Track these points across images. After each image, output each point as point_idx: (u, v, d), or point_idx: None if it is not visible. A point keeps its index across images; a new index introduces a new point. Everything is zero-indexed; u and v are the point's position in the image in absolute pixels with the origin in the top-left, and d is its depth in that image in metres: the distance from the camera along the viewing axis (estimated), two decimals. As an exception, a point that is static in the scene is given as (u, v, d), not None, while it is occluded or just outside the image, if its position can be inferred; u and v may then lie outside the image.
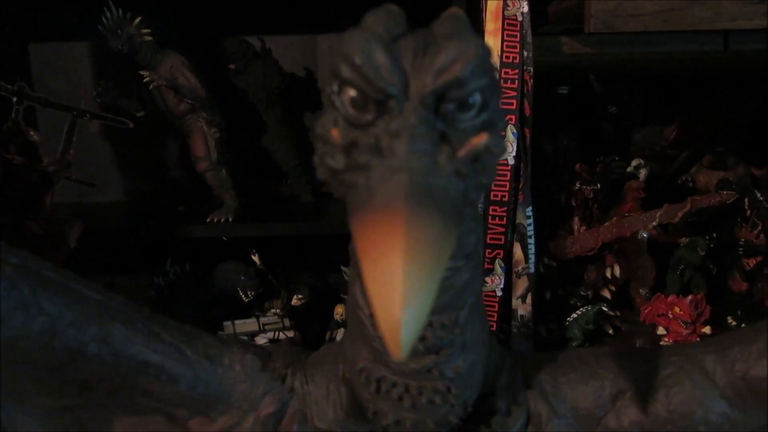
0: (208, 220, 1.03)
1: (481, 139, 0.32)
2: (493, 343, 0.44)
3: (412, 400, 0.39)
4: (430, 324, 0.37)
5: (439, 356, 0.38)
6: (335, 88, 0.32)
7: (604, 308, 1.01)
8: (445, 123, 0.32)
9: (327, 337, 1.05)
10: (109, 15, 0.95)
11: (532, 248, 0.94)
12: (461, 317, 0.38)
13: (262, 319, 1.07)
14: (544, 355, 0.47)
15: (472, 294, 0.39)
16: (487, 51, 0.31)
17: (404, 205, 0.28)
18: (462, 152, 0.32)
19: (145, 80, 1.00)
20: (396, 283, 0.27)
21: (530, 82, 0.89)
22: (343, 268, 1.09)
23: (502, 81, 0.86)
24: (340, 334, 1.05)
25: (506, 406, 0.43)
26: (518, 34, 0.88)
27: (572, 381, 0.45)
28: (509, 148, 0.87)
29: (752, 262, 1.03)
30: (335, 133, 0.32)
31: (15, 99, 0.94)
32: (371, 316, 0.38)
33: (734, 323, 1.02)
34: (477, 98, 0.32)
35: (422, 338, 0.38)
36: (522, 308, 0.94)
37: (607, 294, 1.06)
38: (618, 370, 0.45)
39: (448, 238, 0.29)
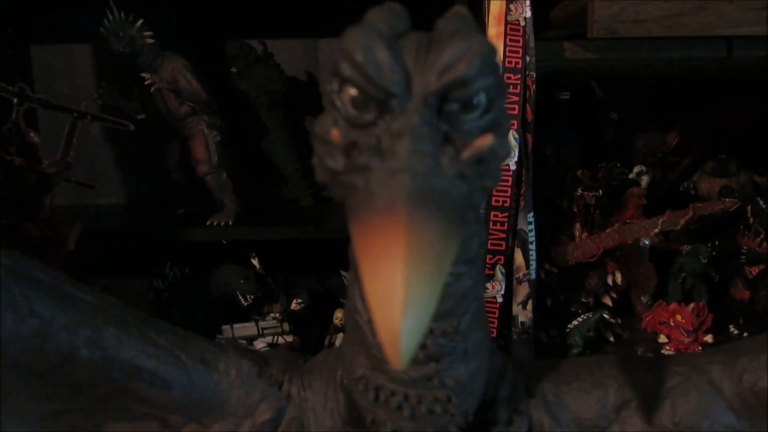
0: (207, 223, 1.03)
1: (486, 141, 0.31)
2: (494, 350, 0.43)
3: (411, 410, 0.38)
4: (431, 331, 0.36)
5: (439, 364, 0.37)
6: (335, 86, 0.31)
7: (605, 315, 1.00)
8: (448, 124, 0.31)
9: (326, 341, 1.05)
10: (110, 17, 0.96)
11: (533, 254, 0.93)
12: (463, 324, 0.37)
13: (261, 323, 1.07)
14: (547, 363, 0.46)
15: (474, 300, 0.38)
16: (492, 50, 0.30)
17: (405, 208, 0.27)
18: (466, 154, 0.31)
19: (146, 83, 1.00)
20: (396, 290, 0.26)
21: (532, 87, 0.89)
22: (342, 272, 1.09)
23: (503, 86, 0.86)
24: (339, 338, 1.04)
25: (507, 416, 0.42)
26: (521, 39, 0.87)
27: (575, 390, 0.44)
28: (512, 153, 0.87)
29: (754, 270, 1.03)
30: (335, 134, 0.31)
31: (16, 100, 0.93)
32: (370, 322, 0.37)
33: (736, 331, 1.01)
34: (482, 98, 0.31)
35: (423, 346, 0.36)
36: (523, 315, 0.93)
37: (608, 301, 1.05)
38: (622, 379, 0.44)
39: (451, 242, 0.28)
